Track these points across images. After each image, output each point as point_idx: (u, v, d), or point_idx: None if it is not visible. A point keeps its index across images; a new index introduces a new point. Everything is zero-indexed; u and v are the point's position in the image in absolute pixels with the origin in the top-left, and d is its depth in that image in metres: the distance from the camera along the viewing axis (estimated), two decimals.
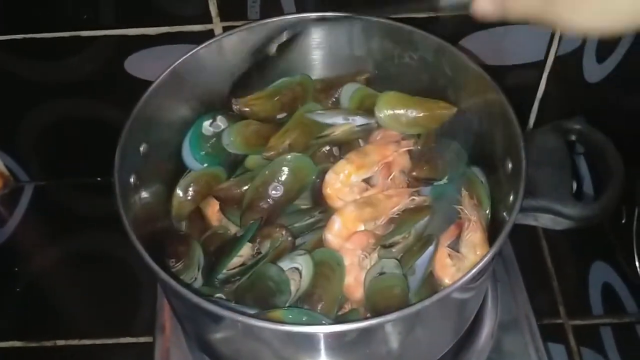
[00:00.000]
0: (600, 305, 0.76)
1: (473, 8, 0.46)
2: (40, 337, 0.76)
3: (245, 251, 0.61)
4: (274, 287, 0.57)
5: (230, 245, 0.61)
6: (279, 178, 0.64)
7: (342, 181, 0.64)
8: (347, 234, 0.61)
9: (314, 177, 0.65)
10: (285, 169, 0.64)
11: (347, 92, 0.70)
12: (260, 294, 0.58)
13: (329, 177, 0.64)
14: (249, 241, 0.61)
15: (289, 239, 0.61)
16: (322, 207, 0.64)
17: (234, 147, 0.66)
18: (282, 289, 0.57)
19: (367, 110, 0.68)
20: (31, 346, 0.76)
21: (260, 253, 0.61)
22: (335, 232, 0.61)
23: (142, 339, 0.75)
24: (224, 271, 0.59)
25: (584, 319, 0.75)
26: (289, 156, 0.64)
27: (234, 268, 0.60)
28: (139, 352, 0.74)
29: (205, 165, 0.67)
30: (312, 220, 0.64)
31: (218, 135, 0.67)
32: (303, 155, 0.65)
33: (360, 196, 0.63)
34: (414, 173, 0.64)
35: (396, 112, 0.66)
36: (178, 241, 0.63)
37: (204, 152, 0.67)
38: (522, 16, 0.43)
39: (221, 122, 0.68)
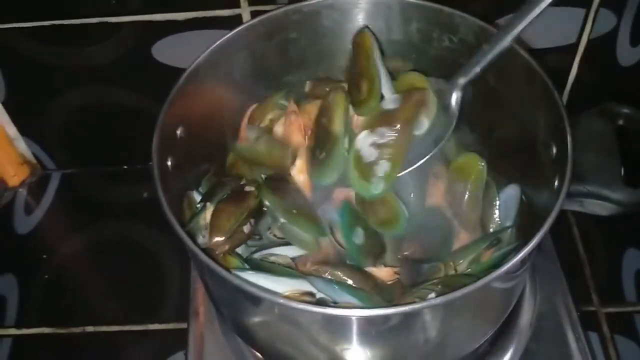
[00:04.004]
0: (633, 293, 0.75)
1: None
2: (69, 324, 0.76)
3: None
4: None
5: None
6: None
7: None
8: None
9: None
10: None
11: None
12: None
13: None
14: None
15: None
16: None
17: None
18: None
19: None
20: (60, 332, 0.76)
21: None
22: None
23: (170, 326, 0.75)
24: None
25: (617, 307, 0.74)
26: None
27: None
28: (167, 339, 0.74)
29: None
30: None
31: None
32: None
33: None
34: None
35: None
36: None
37: None
38: None
39: None
